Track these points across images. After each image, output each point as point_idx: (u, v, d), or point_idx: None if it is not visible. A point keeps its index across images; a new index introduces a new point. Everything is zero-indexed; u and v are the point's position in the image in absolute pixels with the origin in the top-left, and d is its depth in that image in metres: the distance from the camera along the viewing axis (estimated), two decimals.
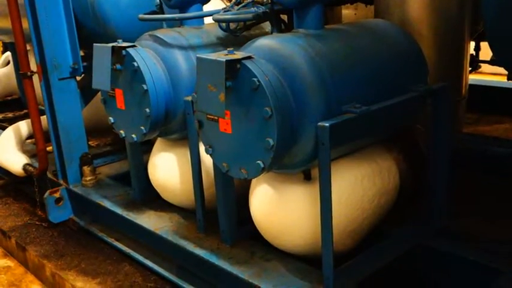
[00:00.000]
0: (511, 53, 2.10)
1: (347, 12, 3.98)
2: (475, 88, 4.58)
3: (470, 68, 4.00)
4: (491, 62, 4.34)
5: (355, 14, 3.93)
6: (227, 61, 2.16)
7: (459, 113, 3.34)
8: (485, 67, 4.97)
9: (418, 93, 2.59)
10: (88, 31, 3.75)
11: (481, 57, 4.96)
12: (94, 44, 2.94)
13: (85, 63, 3.75)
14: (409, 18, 2.91)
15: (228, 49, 2.28)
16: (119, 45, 2.87)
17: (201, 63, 2.28)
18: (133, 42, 3.08)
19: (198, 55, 2.30)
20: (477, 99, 4.31)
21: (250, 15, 2.59)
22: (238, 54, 2.24)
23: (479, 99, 4.77)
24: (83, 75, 3.89)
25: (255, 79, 2.16)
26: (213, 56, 2.25)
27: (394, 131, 2.79)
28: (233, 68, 2.20)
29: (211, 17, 2.80)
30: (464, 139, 3.81)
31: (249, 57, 2.22)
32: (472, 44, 4.55)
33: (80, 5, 3.68)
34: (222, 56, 2.23)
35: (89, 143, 4.46)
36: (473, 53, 4.97)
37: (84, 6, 3.66)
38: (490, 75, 7.25)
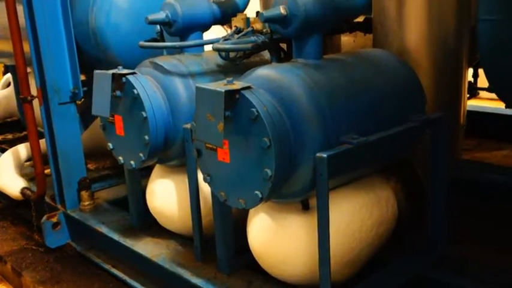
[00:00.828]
0: (507, 84, 2.12)
1: (346, 39, 4.02)
2: (473, 114, 4.60)
3: (468, 95, 4.02)
4: (490, 89, 4.36)
5: (354, 41, 3.96)
6: (226, 91, 2.17)
7: (458, 141, 3.34)
8: (483, 93, 4.99)
9: (416, 124, 2.59)
10: (89, 56, 3.78)
11: (480, 84, 5.00)
12: (94, 71, 2.96)
13: (85, 88, 3.77)
14: (407, 48, 2.93)
15: (227, 79, 2.29)
16: (119, 72, 2.89)
17: (200, 92, 2.29)
18: (134, 68, 3.10)
19: (197, 84, 2.31)
20: (476, 125, 4.33)
21: (249, 45, 2.61)
22: (237, 84, 2.25)
23: (478, 126, 4.78)
24: (82, 99, 3.90)
25: (254, 109, 2.16)
26: (212, 85, 2.26)
27: (392, 161, 2.79)
28: (232, 98, 2.21)
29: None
30: (463, 166, 3.81)
31: (248, 88, 2.23)
32: (470, 70, 4.58)
33: (81, 31, 3.71)
34: (221, 85, 2.24)
35: (88, 165, 4.47)
36: (472, 79, 5.01)
37: (85, 32, 3.69)
38: (488, 100, 7.28)
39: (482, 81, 4.32)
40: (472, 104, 5.09)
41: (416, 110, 2.70)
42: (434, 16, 2.92)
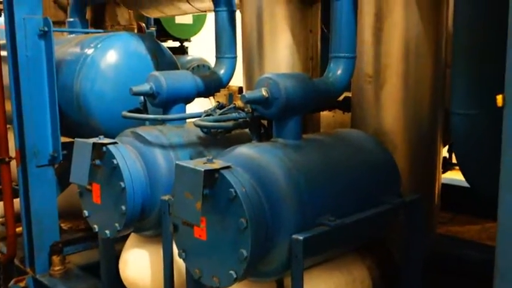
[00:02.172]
0: (479, 175, 2.19)
1: (325, 113, 4.12)
2: (448, 187, 4.68)
3: (442, 170, 4.11)
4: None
5: (333, 116, 4.06)
6: (206, 171, 2.19)
7: (433, 219, 3.39)
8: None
9: (392, 206, 2.64)
10: (71, 121, 3.80)
11: (455, 159, 5.11)
12: (75, 139, 2.97)
13: (65, 151, 3.77)
14: (384, 130, 3.02)
15: (207, 157, 2.32)
16: (99, 141, 2.90)
17: (179, 170, 2.31)
18: (115, 135, 3.13)
19: (177, 162, 2.34)
20: (450, 198, 4.39)
21: (230, 124, 2.67)
22: (217, 163, 2.28)
23: (453, 199, 4.85)
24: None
25: (232, 190, 2.18)
26: (192, 163, 2.29)
27: (368, 241, 2.81)
28: (211, 177, 2.23)
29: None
30: (438, 242, 3.84)
31: (228, 167, 2.26)
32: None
33: (65, 95, 3.75)
34: (201, 164, 2.27)
35: (62, 225, 4.38)
36: (447, 155, 5.13)
37: (69, 97, 3.73)
38: None
39: None
40: (447, 177, 5.19)
41: (391, 192, 2.75)
42: (410, 100, 3.03)
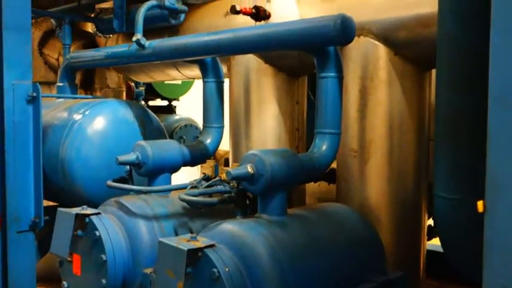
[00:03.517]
0: (461, 258, 2.19)
1: (310, 183, 4.14)
2: (434, 255, 4.65)
3: (428, 237, 4.09)
4: None
5: (319, 185, 4.09)
6: (189, 250, 2.16)
7: None
8: None
9: (376, 284, 2.61)
10: (54, 186, 3.76)
11: None
12: (58, 209, 2.95)
13: (47, 217, 3.70)
14: (369, 204, 3.04)
15: (190, 235, 2.30)
16: (82, 212, 2.87)
17: (162, 248, 2.28)
18: (100, 201, 3.10)
19: (160, 239, 2.31)
20: (438, 266, 4.35)
21: (215, 200, 2.66)
22: (200, 241, 2.25)
23: (440, 267, 4.81)
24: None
25: (215, 270, 2.16)
26: (175, 241, 2.26)
27: None
28: (195, 255, 2.21)
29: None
30: None
31: (211, 246, 2.24)
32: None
33: (50, 160, 3.73)
34: (184, 241, 2.24)
35: None
36: (432, 222, 5.13)
37: (54, 163, 3.71)
38: None
39: None
40: (433, 244, 5.17)
41: (376, 269, 2.73)
42: (395, 174, 3.06)
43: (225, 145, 4.01)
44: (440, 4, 2.11)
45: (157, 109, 8.97)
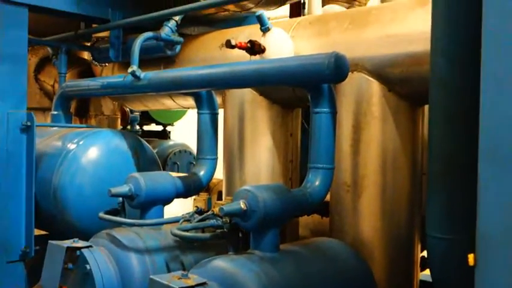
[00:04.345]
0: None
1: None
2: (427, 285, 4.61)
3: (421, 268, 4.07)
4: None
5: (312, 217, 4.06)
6: None
7: None
8: None
9: None
10: (46, 214, 3.73)
11: None
12: (49, 242, 2.92)
13: (37, 247, 3.67)
14: (362, 239, 3.02)
15: (181, 272, 2.29)
16: (73, 245, 2.85)
17: (153, 285, 2.26)
18: (91, 231, 3.08)
19: (151, 276, 2.29)
20: None
21: (207, 235, 2.65)
22: (192, 279, 2.24)
23: None
24: None
25: None
26: (166, 279, 2.24)
27: None
28: None
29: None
30: None
31: (203, 284, 2.22)
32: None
33: (43, 188, 3.71)
34: (175, 279, 2.22)
35: None
36: (426, 253, 5.11)
37: (46, 190, 3.69)
38: None
39: None
40: (426, 274, 5.13)
41: None
42: (388, 209, 3.06)
43: (219, 174, 4.01)
44: (432, 47, 2.14)
45: (151, 134, 8.99)
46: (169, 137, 8.98)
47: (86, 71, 5.32)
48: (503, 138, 1.44)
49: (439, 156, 2.14)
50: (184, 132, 9.19)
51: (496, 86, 1.47)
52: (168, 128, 8.99)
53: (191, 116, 7.80)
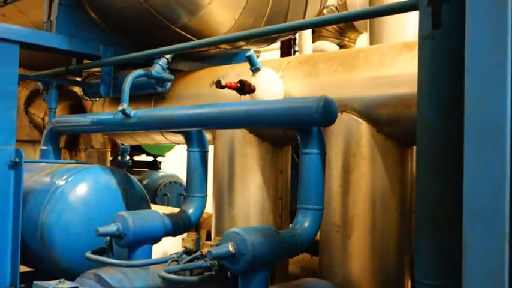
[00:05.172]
0: None
1: None
2: None
3: None
4: None
5: (302, 254, 4.04)
6: None
7: None
8: None
9: None
10: (31, 252, 3.67)
11: None
12: (34, 283, 2.87)
13: (23, 285, 3.61)
14: (351, 279, 3.00)
15: None
16: (59, 286, 2.80)
17: None
18: (78, 270, 3.04)
19: None
20: None
21: (195, 279, 2.62)
22: None
23: None
24: None
25: None
26: None
27: None
28: None
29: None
30: None
31: None
32: None
33: (29, 225, 3.66)
34: None
35: None
36: None
37: (33, 227, 3.63)
38: None
39: None
40: None
41: None
42: (377, 250, 3.05)
43: (209, 208, 3.99)
44: (419, 92, 2.16)
45: (142, 165, 8.98)
46: (160, 168, 8.96)
47: (76, 105, 5.32)
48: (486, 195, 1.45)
49: (425, 202, 2.14)
50: (175, 163, 9.19)
51: (475, 140, 1.48)
52: (159, 159, 8.99)
53: (182, 147, 7.82)
